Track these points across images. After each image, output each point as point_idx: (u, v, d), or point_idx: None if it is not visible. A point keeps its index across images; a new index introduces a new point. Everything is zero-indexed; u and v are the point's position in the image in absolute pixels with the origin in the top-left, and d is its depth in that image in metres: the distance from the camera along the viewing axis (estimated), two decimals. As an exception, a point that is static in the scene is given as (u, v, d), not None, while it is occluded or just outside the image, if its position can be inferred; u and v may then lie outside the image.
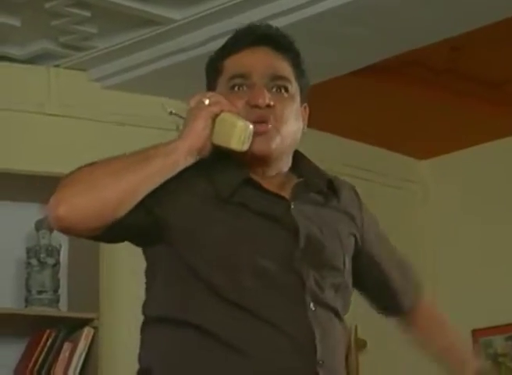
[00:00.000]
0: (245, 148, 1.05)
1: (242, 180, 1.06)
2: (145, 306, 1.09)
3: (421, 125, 3.43)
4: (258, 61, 1.11)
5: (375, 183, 3.40)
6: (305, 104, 1.18)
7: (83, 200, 1.00)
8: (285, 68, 1.12)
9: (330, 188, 1.15)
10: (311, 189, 1.13)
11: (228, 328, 1.00)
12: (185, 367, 1.02)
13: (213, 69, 1.15)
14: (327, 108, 2.79)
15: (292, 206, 1.08)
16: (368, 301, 1.30)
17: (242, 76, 1.09)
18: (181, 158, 1.03)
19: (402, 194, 3.68)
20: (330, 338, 1.06)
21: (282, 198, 1.09)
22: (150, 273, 1.10)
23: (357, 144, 3.54)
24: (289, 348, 1.00)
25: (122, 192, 1.01)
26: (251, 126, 1.04)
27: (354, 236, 1.17)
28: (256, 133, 1.05)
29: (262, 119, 1.07)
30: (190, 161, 1.04)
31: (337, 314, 1.09)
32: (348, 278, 1.14)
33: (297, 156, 1.17)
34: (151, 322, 1.07)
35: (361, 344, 3.67)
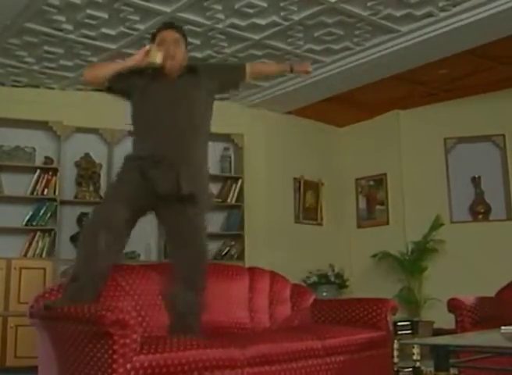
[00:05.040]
0: (159, 63, 3.12)
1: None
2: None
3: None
4: (169, 33, 3.24)
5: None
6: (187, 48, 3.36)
7: (92, 73, 3.23)
8: (178, 36, 3.25)
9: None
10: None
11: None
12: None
13: (153, 36, 3.29)
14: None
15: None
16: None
17: (164, 39, 3.21)
18: (130, 65, 3.17)
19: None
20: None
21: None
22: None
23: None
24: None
25: (104, 72, 3.14)
26: (161, 55, 3.10)
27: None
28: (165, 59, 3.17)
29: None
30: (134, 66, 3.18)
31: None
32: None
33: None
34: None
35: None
